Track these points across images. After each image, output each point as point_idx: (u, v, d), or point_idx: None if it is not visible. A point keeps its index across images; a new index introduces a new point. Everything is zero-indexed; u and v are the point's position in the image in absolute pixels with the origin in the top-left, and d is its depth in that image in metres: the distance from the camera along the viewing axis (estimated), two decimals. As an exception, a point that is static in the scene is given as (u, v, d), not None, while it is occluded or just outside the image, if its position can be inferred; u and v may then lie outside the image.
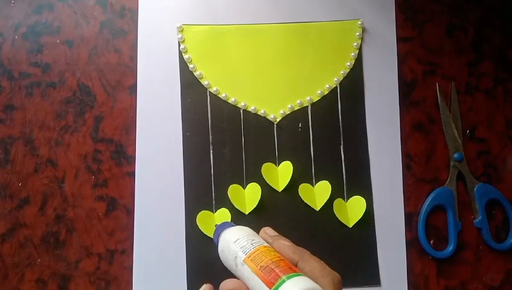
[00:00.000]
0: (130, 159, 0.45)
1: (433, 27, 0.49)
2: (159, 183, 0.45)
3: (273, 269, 0.29)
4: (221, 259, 0.35)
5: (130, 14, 0.48)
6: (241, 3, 0.48)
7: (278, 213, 0.45)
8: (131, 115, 0.46)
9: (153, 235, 0.44)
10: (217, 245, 0.36)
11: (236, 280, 0.32)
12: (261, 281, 0.29)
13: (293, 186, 0.45)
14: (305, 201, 0.45)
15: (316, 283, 0.29)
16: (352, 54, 0.48)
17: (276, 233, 0.37)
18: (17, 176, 0.45)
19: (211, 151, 0.46)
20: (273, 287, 0.28)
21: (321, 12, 0.48)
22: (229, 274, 0.44)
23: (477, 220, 0.46)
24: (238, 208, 0.44)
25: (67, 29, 0.47)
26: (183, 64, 0.47)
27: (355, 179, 0.46)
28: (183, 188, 0.45)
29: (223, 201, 0.45)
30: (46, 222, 0.44)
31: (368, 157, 0.47)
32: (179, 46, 0.47)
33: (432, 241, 0.46)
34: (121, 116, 0.46)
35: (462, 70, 0.49)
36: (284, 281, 0.28)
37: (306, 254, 0.32)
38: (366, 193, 0.46)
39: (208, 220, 0.44)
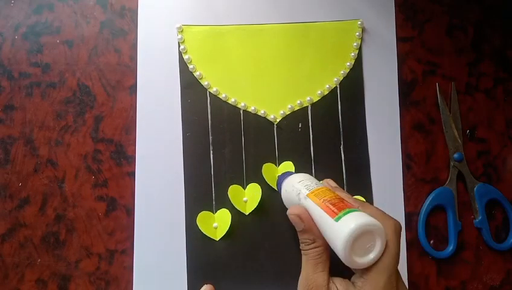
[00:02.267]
0: (130, 159, 0.45)
1: (433, 27, 0.49)
2: (159, 183, 0.45)
3: (336, 203, 0.32)
4: (283, 198, 0.40)
5: (130, 14, 0.48)
6: (241, 4, 0.48)
7: (279, 213, 0.45)
8: (131, 115, 0.46)
9: (153, 235, 0.44)
10: (280, 189, 0.41)
11: (300, 206, 0.35)
12: (323, 212, 0.32)
13: (293, 186, 0.45)
14: (305, 201, 0.45)
15: None
16: (352, 54, 0.48)
17: (337, 185, 0.40)
18: (17, 176, 0.45)
19: (211, 151, 0.46)
20: (336, 216, 0.30)
21: (321, 12, 0.48)
22: (230, 275, 0.44)
23: (477, 220, 0.46)
24: (238, 208, 0.44)
25: (67, 29, 0.47)
26: (183, 65, 0.47)
27: (355, 179, 0.46)
28: (183, 188, 0.45)
29: (223, 201, 0.45)
30: (46, 222, 0.44)
31: (368, 157, 0.47)
32: (179, 46, 0.47)
33: (431, 241, 0.46)
34: (121, 116, 0.46)
35: (462, 70, 0.49)
36: (347, 212, 0.30)
37: (367, 203, 0.35)
38: (366, 193, 0.46)
39: (208, 221, 0.44)
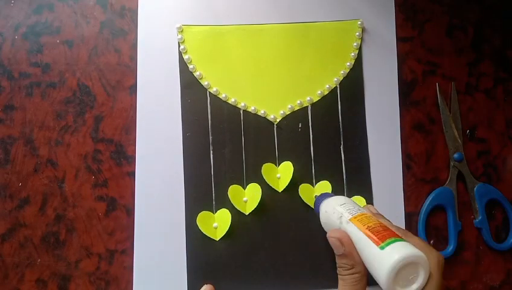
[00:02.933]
0: (130, 159, 0.45)
1: (433, 27, 0.49)
2: (159, 183, 0.45)
3: (380, 231, 0.32)
4: (322, 219, 0.40)
5: (130, 14, 0.48)
6: (241, 4, 0.48)
7: (278, 213, 0.45)
8: (131, 115, 0.46)
9: (153, 235, 0.44)
10: (319, 210, 0.41)
11: (341, 230, 0.35)
12: (367, 239, 0.32)
13: (293, 186, 0.45)
14: (305, 201, 0.45)
15: None
16: (352, 54, 0.48)
17: (378, 212, 0.39)
18: (17, 176, 0.45)
19: (211, 151, 0.46)
20: (381, 244, 0.30)
21: (321, 12, 0.48)
22: (230, 275, 0.44)
23: (477, 220, 0.46)
24: (238, 209, 0.44)
25: (67, 29, 0.47)
26: (183, 65, 0.47)
27: (355, 179, 0.46)
28: (183, 188, 0.45)
29: (223, 201, 0.45)
30: (46, 222, 0.44)
31: (368, 157, 0.47)
32: (179, 46, 0.47)
33: (432, 241, 0.46)
34: (121, 116, 0.46)
35: (462, 70, 0.49)
36: (393, 241, 0.30)
37: (409, 232, 0.34)
38: (366, 193, 0.46)
39: (208, 221, 0.44)
